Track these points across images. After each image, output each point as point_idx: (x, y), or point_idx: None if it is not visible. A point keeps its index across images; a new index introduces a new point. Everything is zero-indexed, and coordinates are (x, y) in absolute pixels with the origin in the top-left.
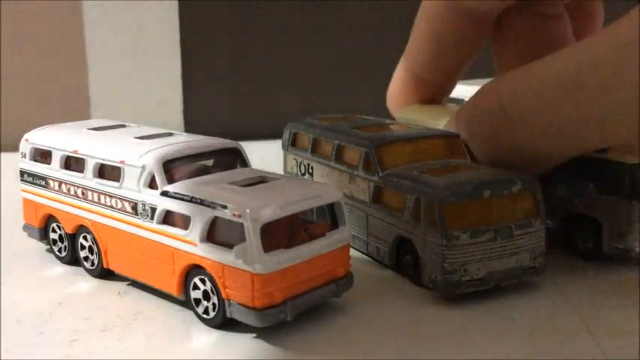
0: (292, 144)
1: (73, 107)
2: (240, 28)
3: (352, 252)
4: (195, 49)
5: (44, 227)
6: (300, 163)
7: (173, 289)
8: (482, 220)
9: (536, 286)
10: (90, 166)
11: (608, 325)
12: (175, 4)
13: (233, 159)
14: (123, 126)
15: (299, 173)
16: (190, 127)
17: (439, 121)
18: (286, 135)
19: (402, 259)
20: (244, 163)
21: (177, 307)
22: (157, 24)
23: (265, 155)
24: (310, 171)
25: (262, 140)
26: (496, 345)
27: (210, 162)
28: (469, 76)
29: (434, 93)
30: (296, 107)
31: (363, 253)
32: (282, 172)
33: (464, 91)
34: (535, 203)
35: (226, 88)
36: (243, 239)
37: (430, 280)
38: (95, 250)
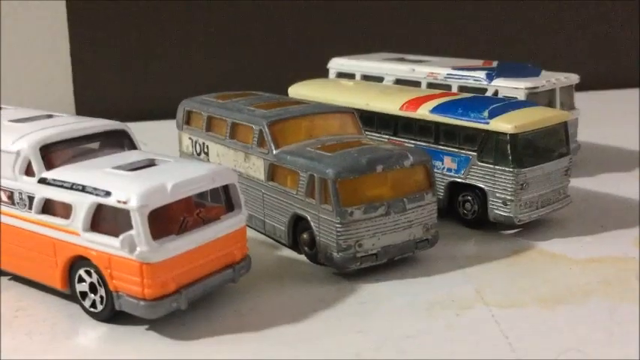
0: (187, 123)
1: None
2: (133, 3)
3: (249, 232)
4: (85, 23)
5: None
6: (195, 142)
7: (57, 283)
8: (375, 195)
9: (433, 258)
10: None
11: (502, 296)
12: None
13: (120, 141)
14: None
15: (194, 153)
16: (82, 107)
17: (332, 95)
18: (180, 113)
19: (298, 238)
20: (132, 145)
21: (62, 302)
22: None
23: (162, 135)
24: (206, 150)
25: (160, 120)
26: (395, 321)
27: (95, 145)
28: (364, 51)
29: None
30: (192, 84)
31: (260, 232)
32: (177, 153)
33: (355, 65)
34: (427, 177)
35: (119, 65)
36: (130, 227)
37: (326, 257)
38: None
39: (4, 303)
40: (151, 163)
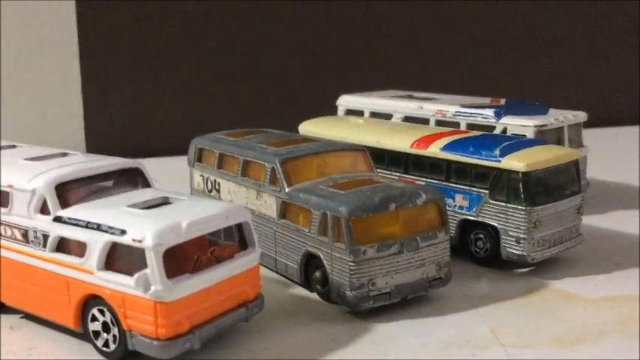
0: (198, 160)
1: None
2: (144, 39)
3: (261, 270)
4: (96, 61)
5: None
6: (207, 179)
7: (70, 322)
8: (388, 233)
9: (446, 297)
10: None
11: (518, 336)
12: (73, 9)
13: (134, 179)
14: (13, 147)
15: (206, 190)
16: (93, 145)
17: (342, 133)
18: (192, 151)
19: (310, 276)
20: (146, 183)
21: (74, 341)
22: (54, 34)
23: (172, 172)
24: (217, 187)
25: (170, 156)
26: None
27: (109, 183)
28: (373, 88)
29: None
30: (202, 121)
31: (271, 270)
32: (189, 189)
33: (363, 102)
34: (439, 214)
35: (130, 102)
36: (144, 266)
37: (339, 296)
38: None
39: (16, 342)
40: (165, 202)
